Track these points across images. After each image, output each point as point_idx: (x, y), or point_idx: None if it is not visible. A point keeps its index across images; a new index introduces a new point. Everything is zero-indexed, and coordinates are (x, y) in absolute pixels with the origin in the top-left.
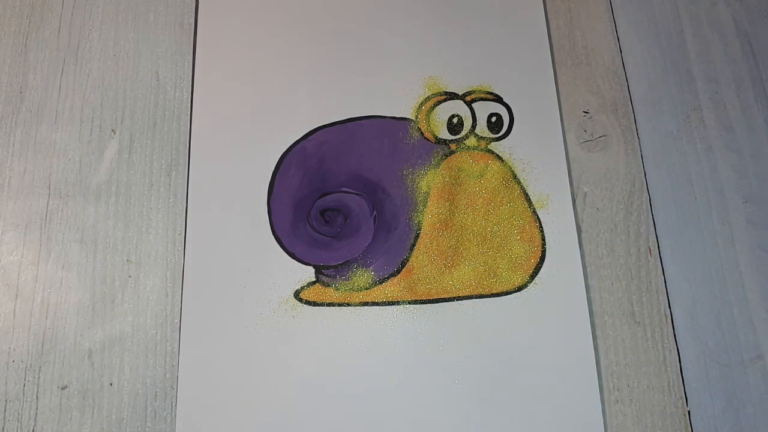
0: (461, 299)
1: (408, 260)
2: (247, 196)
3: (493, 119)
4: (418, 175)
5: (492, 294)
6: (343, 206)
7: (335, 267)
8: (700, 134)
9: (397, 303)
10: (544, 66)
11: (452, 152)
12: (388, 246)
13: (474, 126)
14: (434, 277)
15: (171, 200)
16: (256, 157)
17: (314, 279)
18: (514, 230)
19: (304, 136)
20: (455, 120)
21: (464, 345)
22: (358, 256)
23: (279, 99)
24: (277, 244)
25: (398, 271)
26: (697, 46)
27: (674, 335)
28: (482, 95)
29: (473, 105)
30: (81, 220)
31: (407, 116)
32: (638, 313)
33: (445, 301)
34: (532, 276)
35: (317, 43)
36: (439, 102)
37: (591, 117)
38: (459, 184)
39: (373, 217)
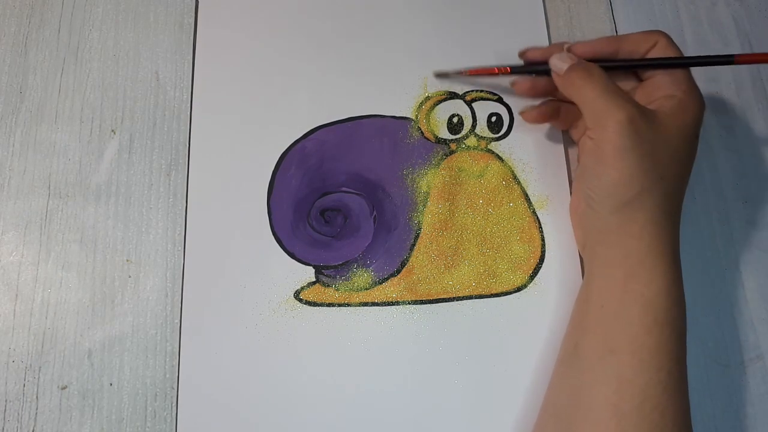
0: (461, 299)
1: (408, 260)
2: (247, 195)
3: (493, 119)
4: (418, 175)
5: (492, 294)
6: (343, 206)
7: (335, 267)
8: (699, 134)
9: (397, 303)
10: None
11: (452, 152)
12: (388, 246)
13: (474, 126)
14: (434, 278)
15: (171, 200)
16: (256, 156)
17: (314, 279)
18: (513, 230)
19: (303, 135)
20: (455, 120)
21: (464, 345)
22: (358, 256)
23: (279, 98)
24: (277, 244)
25: (398, 272)
26: (697, 46)
27: None
28: (482, 95)
29: (473, 105)
30: (81, 220)
31: (407, 116)
32: None
33: (445, 302)
34: (532, 276)
35: (317, 42)
36: (439, 101)
37: None
38: (459, 184)
39: (373, 217)
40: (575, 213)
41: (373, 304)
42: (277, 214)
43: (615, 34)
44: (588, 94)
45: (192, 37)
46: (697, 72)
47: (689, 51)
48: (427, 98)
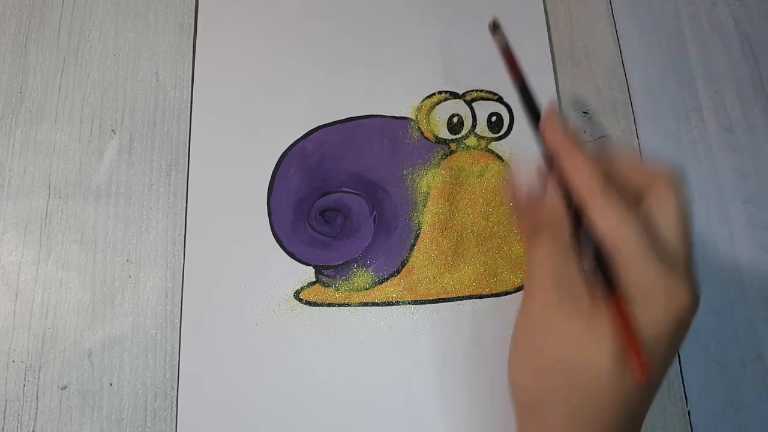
0: (461, 299)
1: (408, 260)
2: (247, 195)
3: (493, 119)
4: (418, 175)
5: (492, 294)
6: (343, 206)
7: (335, 267)
8: (700, 134)
9: (397, 303)
10: (544, 66)
11: (452, 152)
12: (388, 246)
13: (474, 126)
14: (434, 278)
15: (171, 200)
16: (256, 156)
17: (314, 279)
18: (513, 230)
19: (303, 135)
20: (455, 119)
21: (464, 345)
22: (358, 256)
23: (279, 98)
24: (277, 244)
25: (398, 272)
26: (697, 46)
27: None
28: (482, 95)
29: (473, 104)
30: (81, 220)
31: (407, 116)
32: None
33: (445, 302)
34: None
35: (317, 42)
36: (440, 101)
37: (591, 117)
38: (459, 184)
39: (373, 217)
40: None
41: (373, 304)
42: (277, 214)
43: (615, 33)
44: None
45: (192, 37)
46: (696, 73)
47: (689, 50)
48: (427, 98)
